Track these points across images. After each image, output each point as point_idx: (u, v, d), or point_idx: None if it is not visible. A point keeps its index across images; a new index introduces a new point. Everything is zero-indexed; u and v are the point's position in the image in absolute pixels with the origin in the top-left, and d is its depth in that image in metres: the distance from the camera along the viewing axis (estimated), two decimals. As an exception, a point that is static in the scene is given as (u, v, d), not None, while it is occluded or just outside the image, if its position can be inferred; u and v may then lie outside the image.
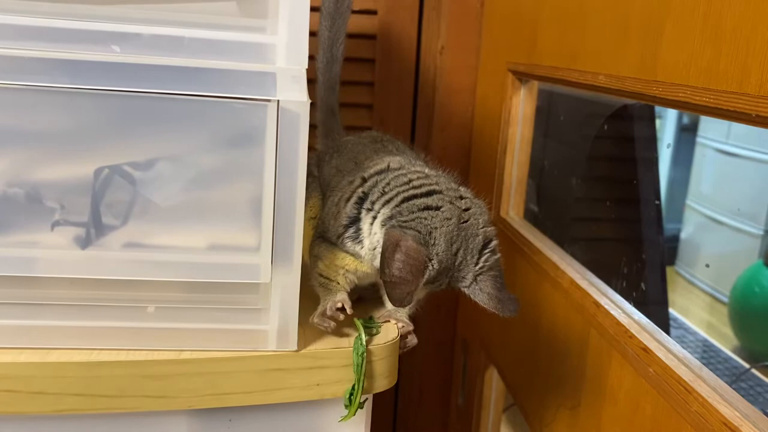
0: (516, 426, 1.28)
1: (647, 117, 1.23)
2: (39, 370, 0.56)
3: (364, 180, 0.65)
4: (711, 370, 0.63)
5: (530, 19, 0.96)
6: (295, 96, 0.53)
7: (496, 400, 1.18)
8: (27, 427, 0.59)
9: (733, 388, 0.60)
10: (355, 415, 0.62)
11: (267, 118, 0.54)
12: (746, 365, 1.79)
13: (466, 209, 0.63)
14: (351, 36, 0.89)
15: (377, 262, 0.61)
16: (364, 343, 0.61)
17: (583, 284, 0.81)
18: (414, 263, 0.58)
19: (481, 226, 0.62)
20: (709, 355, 1.90)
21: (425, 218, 0.60)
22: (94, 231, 0.56)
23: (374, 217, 0.63)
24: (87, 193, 0.55)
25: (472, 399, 1.22)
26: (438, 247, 0.59)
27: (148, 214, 0.57)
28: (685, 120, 2.62)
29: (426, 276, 0.59)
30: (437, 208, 0.61)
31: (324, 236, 0.68)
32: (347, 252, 0.65)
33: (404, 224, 0.60)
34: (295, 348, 0.60)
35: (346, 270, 0.66)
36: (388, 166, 0.67)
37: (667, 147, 2.58)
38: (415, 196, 0.62)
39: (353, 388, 0.61)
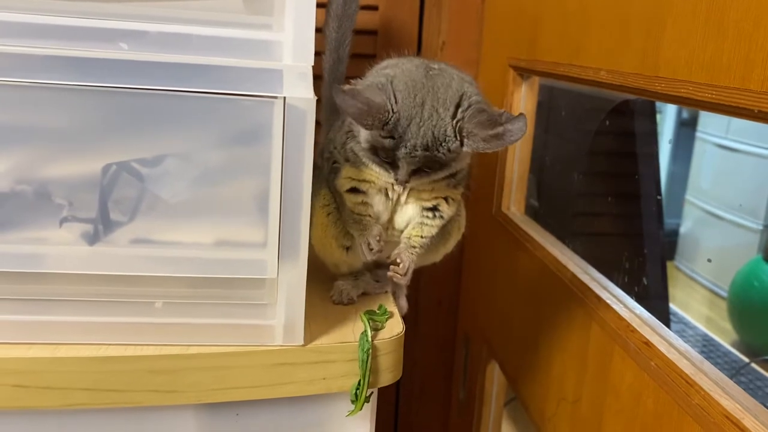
0: (517, 420, 1.29)
1: (648, 112, 1.23)
2: (48, 365, 0.56)
3: None
4: (710, 364, 0.64)
5: (531, 15, 0.96)
6: (301, 93, 0.54)
7: (497, 394, 1.18)
8: (36, 422, 0.59)
9: (733, 382, 0.61)
10: (361, 409, 0.62)
11: (273, 115, 0.54)
12: (746, 359, 1.80)
13: (436, 69, 0.64)
14: (352, 32, 0.89)
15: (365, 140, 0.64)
16: (369, 339, 0.62)
17: (585, 279, 0.82)
18: (369, 108, 0.59)
19: (456, 82, 0.63)
20: (708, 350, 1.91)
21: (385, 75, 0.63)
22: (102, 227, 0.57)
23: None
24: (95, 190, 0.56)
25: (474, 393, 1.22)
26: (397, 95, 0.61)
27: (156, 211, 0.57)
28: (685, 115, 2.62)
29: (388, 121, 0.60)
30: (398, 68, 0.64)
31: (335, 165, 0.69)
32: (349, 160, 0.68)
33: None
34: (302, 342, 0.61)
35: (353, 183, 0.68)
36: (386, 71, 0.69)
37: (669, 143, 2.59)
38: (383, 68, 0.66)
39: (359, 383, 0.62)
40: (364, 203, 0.68)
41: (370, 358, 0.61)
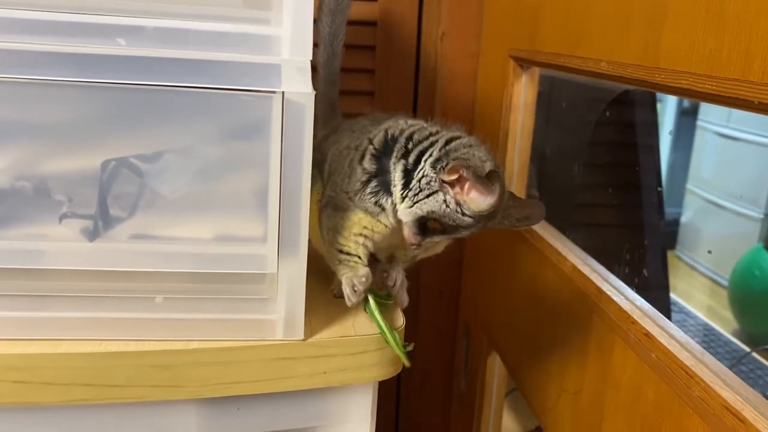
0: (518, 411, 1.30)
1: (648, 102, 1.23)
2: (49, 361, 0.56)
3: (371, 141, 0.66)
4: (711, 353, 0.64)
5: (532, 5, 0.96)
6: (300, 87, 0.54)
7: (498, 385, 1.19)
8: (38, 418, 0.60)
9: (734, 372, 0.61)
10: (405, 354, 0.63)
11: (272, 110, 0.54)
12: (746, 348, 1.80)
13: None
14: (351, 23, 0.89)
15: (420, 208, 0.62)
16: (371, 303, 0.64)
17: (585, 270, 0.82)
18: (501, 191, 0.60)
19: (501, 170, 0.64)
20: (709, 339, 1.91)
21: (476, 153, 0.62)
22: (101, 223, 0.57)
23: (410, 165, 0.64)
24: (94, 186, 0.56)
25: (475, 384, 1.23)
26: (500, 179, 0.61)
27: (155, 206, 0.57)
28: (686, 104, 2.61)
29: (495, 203, 0.60)
30: (477, 146, 0.63)
31: (333, 204, 0.68)
32: (365, 210, 0.66)
33: (464, 158, 0.61)
34: (302, 337, 0.61)
35: (363, 232, 0.66)
36: (399, 124, 0.68)
37: (669, 134, 2.58)
38: (454, 138, 0.64)
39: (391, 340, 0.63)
40: (364, 245, 0.67)
41: (380, 315, 0.63)
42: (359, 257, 0.66)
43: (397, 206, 0.64)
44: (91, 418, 0.60)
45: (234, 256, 0.59)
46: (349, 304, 0.65)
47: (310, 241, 0.60)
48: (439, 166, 0.62)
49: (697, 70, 0.58)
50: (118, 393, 0.58)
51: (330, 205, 0.68)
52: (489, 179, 0.59)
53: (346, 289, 0.65)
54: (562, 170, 1.26)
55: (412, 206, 0.63)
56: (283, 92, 0.54)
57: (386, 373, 0.64)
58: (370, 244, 0.67)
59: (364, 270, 0.66)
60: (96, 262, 0.57)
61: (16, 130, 0.55)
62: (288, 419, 0.65)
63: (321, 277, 0.73)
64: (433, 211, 0.62)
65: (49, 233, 0.57)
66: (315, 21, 0.83)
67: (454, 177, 0.60)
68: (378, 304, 0.65)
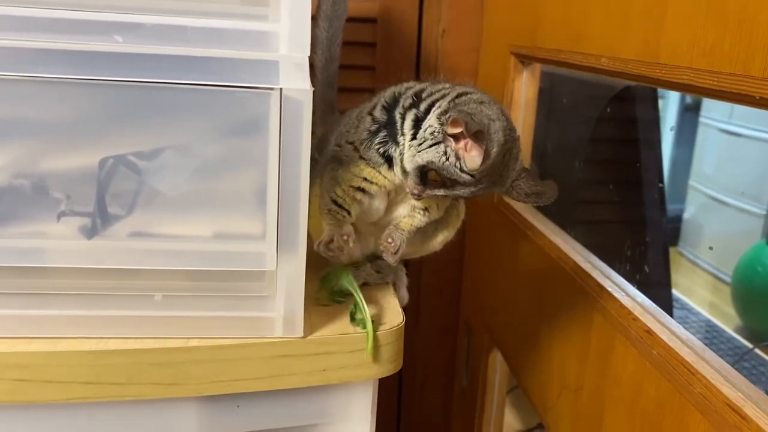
0: (520, 408, 1.30)
1: (650, 98, 1.23)
2: (49, 359, 0.56)
3: (383, 95, 0.67)
4: (714, 350, 0.64)
5: (532, 1, 0.95)
6: (298, 84, 0.53)
7: (499, 382, 1.19)
8: (38, 416, 0.59)
9: (736, 368, 0.61)
10: (373, 343, 0.62)
11: (270, 107, 0.54)
12: (749, 345, 1.79)
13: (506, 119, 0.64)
14: (351, 20, 0.89)
15: (421, 157, 0.62)
16: (350, 277, 0.65)
17: (587, 267, 0.82)
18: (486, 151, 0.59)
19: (516, 134, 0.64)
20: (712, 335, 1.91)
21: (484, 110, 0.61)
22: (100, 221, 0.56)
23: (421, 114, 0.64)
24: (92, 184, 0.56)
25: (476, 382, 1.23)
26: (496, 141, 0.60)
27: (154, 204, 0.57)
28: (688, 100, 2.61)
29: (484, 165, 0.59)
30: (489, 104, 0.63)
31: (338, 158, 0.68)
32: (369, 160, 0.66)
33: (469, 112, 0.60)
34: (302, 334, 0.61)
35: (362, 185, 0.67)
36: (408, 84, 0.69)
37: (671, 130, 2.57)
38: (465, 93, 0.64)
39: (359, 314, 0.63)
40: (359, 200, 0.68)
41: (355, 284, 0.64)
42: (348, 213, 0.67)
43: (404, 154, 0.64)
44: (91, 416, 0.60)
45: (233, 254, 0.59)
46: (315, 248, 0.66)
47: (309, 237, 0.60)
48: (443, 118, 0.61)
49: (697, 65, 0.58)
50: (118, 391, 0.58)
51: (335, 159, 0.69)
52: (487, 139, 0.58)
53: (323, 239, 0.66)
54: (563, 167, 1.25)
55: (415, 155, 0.63)
56: (281, 89, 0.53)
57: (386, 370, 0.64)
58: (366, 201, 0.68)
59: (348, 228, 0.67)
60: (95, 259, 0.57)
61: (15, 127, 0.55)
62: (288, 417, 0.64)
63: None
64: (432, 162, 0.61)
65: (47, 231, 0.57)
66: (313, 27, 0.84)
67: (457, 130, 0.59)
68: (332, 300, 0.67)
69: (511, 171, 0.63)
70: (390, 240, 0.68)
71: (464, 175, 0.61)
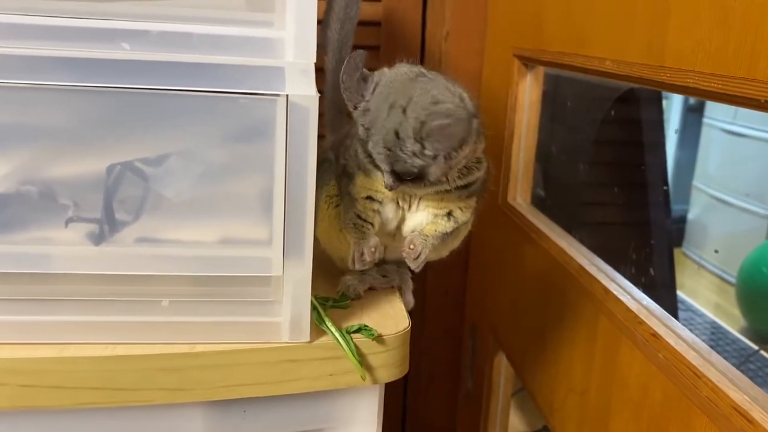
0: (525, 410, 1.30)
1: (654, 100, 1.23)
2: (56, 364, 0.56)
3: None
4: (719, 351, 0.64)
5: (536, 4, 0.95)
6: (304, 90, 0.54)
7: (504, 384, 1.19)
8: (45, 422, 0.60)
9: (741, 370, 0.61)
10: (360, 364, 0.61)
11: (276, 113, 0.54)
12: (754, 346, 1.79)
13: (428, 77, 0.64)
14: (355, 23, 0.89)
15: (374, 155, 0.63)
16: (321, 312, 0.64)
17: (592, 270, 0.82)
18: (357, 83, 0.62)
19: (438, 89, 0.61)
20: (717, 337, 1.91)
21: (380, 71, 0.65)
22: (107, 227, 0.57)
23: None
24: (99, 190, 0.56)
25: (481, 384, 1.23)
26: (376, 88, 0.62)
27: (161, 210, 0.57)
28: (692, 101, 2.60)
29: (357, 105, 0.61)
30: (394, 69, 0.65)
31: (347, 172, 0.69)
32: (365, 170, 0.66)
33: None
34: (308, 339, 0.61)
35: (369, 194, 0.67)
36: None
37: (675, 132, 2.57)
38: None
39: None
40: (377, 211, 0.68)
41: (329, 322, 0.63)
42: (372, 225, 0.68)
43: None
44: (98, 422, 0.61)
45: (239, 259, 0.59)
46: (350, 266, 0.68)
47: (316, 241, 0.60)
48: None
49: (702, 68, 0.58)
50: (124, 396, 0.58)
51: (345, 174, 0.69)
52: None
53: (355, 256, 0.67)
54: (567, 169, 1.25)
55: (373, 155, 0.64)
56: (287, 95, 0.54)
57: (392, 374, 0.64)
58: (382, 211, 0.68)
59: (374, 240, 0.68)
60: (102, 265, 0.57)
61: (22, 135, 0.55)
62: (294, 421, 0.65)
63: (327, 278, 0.73)
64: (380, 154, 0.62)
65: (54, 237, 0.57)
66: (324, 28, 0.84)
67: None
68: (333, 307, 0.67)
69: (406, 120, 0.59)
70: (412, 246, 0.67)
71: (361, 129, 0.62)
